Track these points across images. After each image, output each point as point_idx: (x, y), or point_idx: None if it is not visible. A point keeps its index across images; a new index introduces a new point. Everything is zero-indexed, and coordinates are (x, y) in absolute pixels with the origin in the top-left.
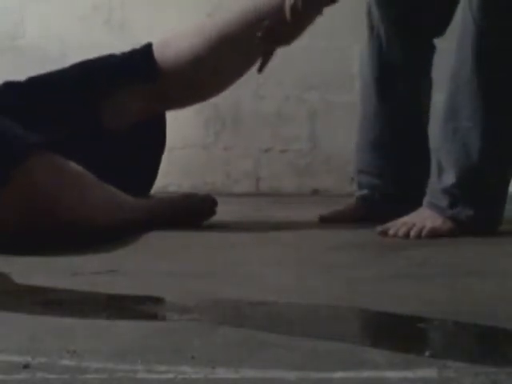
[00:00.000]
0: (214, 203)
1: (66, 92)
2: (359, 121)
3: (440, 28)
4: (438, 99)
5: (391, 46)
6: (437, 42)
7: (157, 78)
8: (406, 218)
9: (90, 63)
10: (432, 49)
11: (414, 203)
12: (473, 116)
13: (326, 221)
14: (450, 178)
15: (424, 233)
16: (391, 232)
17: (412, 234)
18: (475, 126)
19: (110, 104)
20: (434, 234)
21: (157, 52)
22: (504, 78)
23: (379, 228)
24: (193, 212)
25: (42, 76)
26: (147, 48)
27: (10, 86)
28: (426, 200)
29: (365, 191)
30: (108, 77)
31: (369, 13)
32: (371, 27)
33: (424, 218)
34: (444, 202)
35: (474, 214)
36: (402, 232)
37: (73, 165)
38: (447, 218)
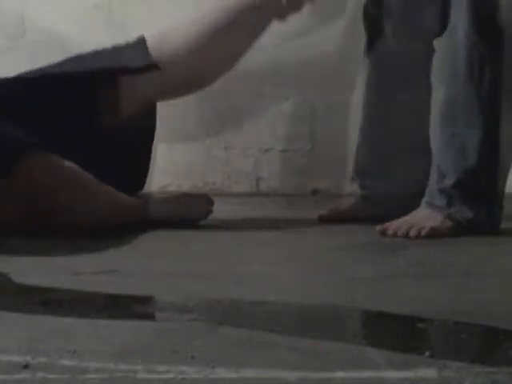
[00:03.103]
0: (211, 203)
1: (62, 87)
2: (360, 122)
3: (441, 28)
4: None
5: (390, 47)
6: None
7: (150, 69)
8: (405, 218)
9: (85, 57)
10: (431, 50)
11: (414, 204)
12: (471, 121)
13: (325, 220)
14: (448, 180)
15: (423, 232)
16: (390, 231)
17: (412, 233)
18: (473, 130)
19: (108, 98)
20: (434, 234)
21: (153, 47)
22: (496, 85)
23: (378, 227)
24: (189, 211)
25: (35, 72)
26: (140, 41)
27: (5, 81)
28: (424, 200)
29: (366, 191)
30: (104, 70)
31: (366, 14)
32: (369, 29)
33: (423, 217)
34: (442, 202)
35: (473, 215)
36: (401, 231)
37: (71, 164)
38: (446, 217)
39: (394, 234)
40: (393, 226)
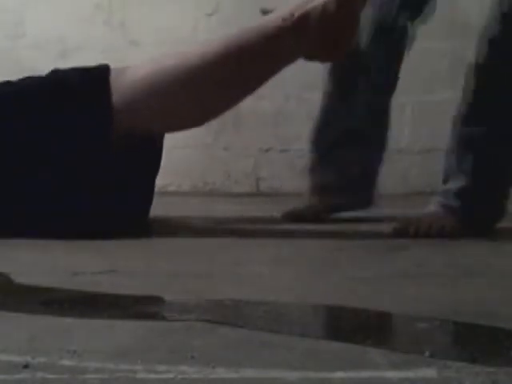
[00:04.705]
0: None
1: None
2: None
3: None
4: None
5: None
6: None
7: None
8: (422, 217)
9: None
10: (404, 36)
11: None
12: (485, 123)
13: (289, 220)
14: (461, 181)
15: (444, 232)
16: (411, 232)
17: (432, 233)
18: (487, 133)
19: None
20: (454, 233)
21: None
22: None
23: (394, 226)
24: None
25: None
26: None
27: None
28: (436, 200)
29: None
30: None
31: None
32: None
33: (440, 217)
34: (456, 203)
35: (484, 214)
36: (422, 231)
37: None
38: (461, 218)
39: (414, 235)
40: (412, 225)
